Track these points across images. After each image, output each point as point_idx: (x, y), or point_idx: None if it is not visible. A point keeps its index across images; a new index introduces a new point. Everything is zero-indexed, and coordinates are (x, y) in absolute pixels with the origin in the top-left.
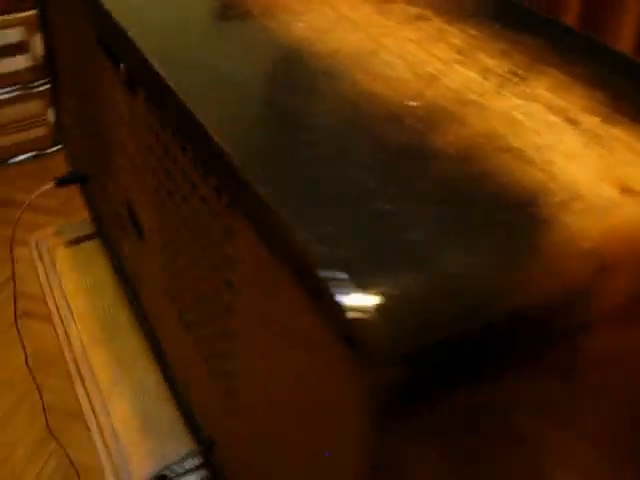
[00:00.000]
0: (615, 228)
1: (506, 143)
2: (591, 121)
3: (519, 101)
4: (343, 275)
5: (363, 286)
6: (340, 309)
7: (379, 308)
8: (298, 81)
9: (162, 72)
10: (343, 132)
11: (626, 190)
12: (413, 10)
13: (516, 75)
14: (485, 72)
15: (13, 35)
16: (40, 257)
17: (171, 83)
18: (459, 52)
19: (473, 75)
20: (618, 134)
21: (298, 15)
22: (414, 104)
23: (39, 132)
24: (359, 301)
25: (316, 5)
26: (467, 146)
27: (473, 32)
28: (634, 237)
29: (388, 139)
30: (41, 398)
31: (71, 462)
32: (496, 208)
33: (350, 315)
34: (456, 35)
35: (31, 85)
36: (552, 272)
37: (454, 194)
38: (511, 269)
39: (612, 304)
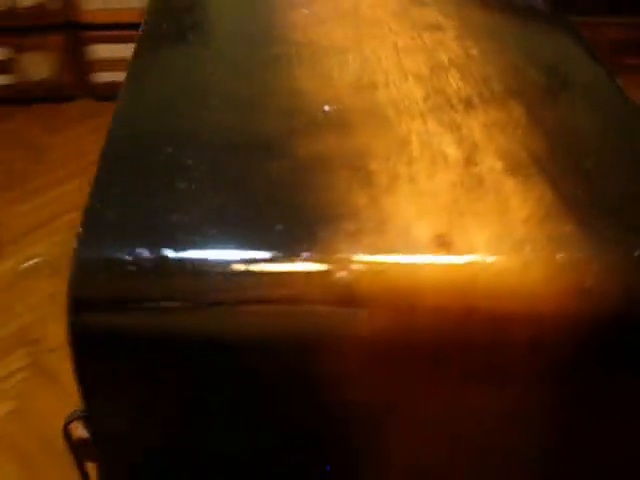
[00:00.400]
0: (390, 271)
1: (364, 164)
2: (492, 166)
3: (435, 128)
4: (93, 231)
5: (100, 244)
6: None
7: (94, 267)
8: (236, 61)
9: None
10: (216, 117)
11: (443, 241)
12: (434, 18)
13: (468, 103)
14: (436, 93)
15: None
16: None
17: None
18: (432, 68)
19: (418, 94)
20: (507, 187)
21: (311, 3)
22: (326, 108)
23: None
24: (83, 253)
25: None
26: (320, 157)
27: (474, 51)
28: (402, 287)
29: (252, 134)
30: None
31: None
32: (278, 217)
33: (74, 265)
34: (451, 51)
35: None
36: (275, 293)
37: (252, 196)
38: (228, 274)
39: (361, 346)
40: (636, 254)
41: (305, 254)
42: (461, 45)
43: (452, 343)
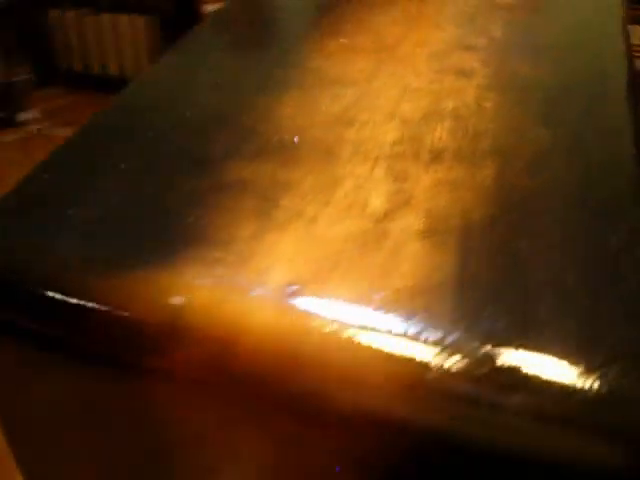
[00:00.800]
0: (219, 307)
1: (277, 197)
2: (410, 224)
3: (380, 175)
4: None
5: None
6: None
7: None
8: (238, 80)
9: None
10: (181, 128)
11: (292, 291)
12: (470, 64)
13: (437, 157)
14: (410, 141)
15: None
16: None
17: None
18: (427, 115)
19: (391, 138)
20: (409, 249)
21: (356, 33)
22: (296, 139)
23: None
24: None
25: (392, 28)
26: (241, 182)
27: (488, 103)
28: (225, 326)
29: (199, 150)
30: None
31: None
32: (150, 232)
33: None
34: (462, 100)
35: None
36: (105, 300)
37: (147, 207)
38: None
39: (182, 371)
40: (486, 369)
41: (139, 270)
42: (479, 95)
43: (269, 397)
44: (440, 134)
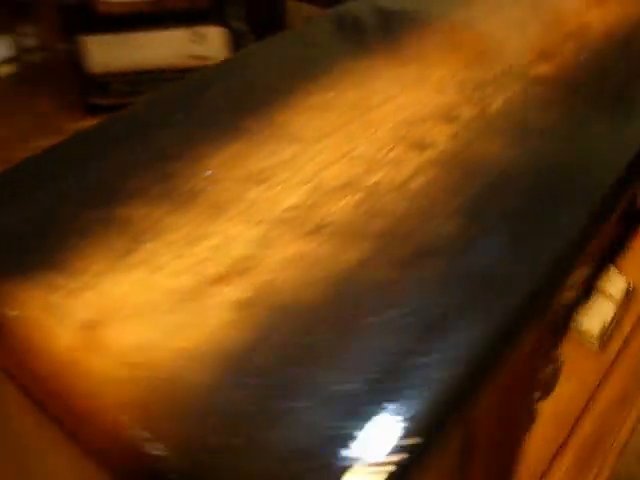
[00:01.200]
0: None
1: (143, 240)
2: (229, 294)
3: (247, 238)
4: None
5: None
6: None
7: None
8: (211, 123)
9: None
10: (134, 162)
11: (88, 326)
12: (436, 138)
13: (319, 230)
14: (307, 209)
15: None
16: None
17: None
18: (345, 185)
19: (290, 202)
20: (216, 316)
21: (348, 89)
22: (197, 185)
23: None
24: None
25: (390, 88)
26: (126, 221)
27: (421, 179)
28: (16, 342)
29: (125, 185)
30: None
31: None
32: (19, 249)
33: None
34: (395, 176)
35: None
36: None
37: (40, 229)
38: None
39: None
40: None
41: None
42: (416, 171)
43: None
44: (342, 207)
